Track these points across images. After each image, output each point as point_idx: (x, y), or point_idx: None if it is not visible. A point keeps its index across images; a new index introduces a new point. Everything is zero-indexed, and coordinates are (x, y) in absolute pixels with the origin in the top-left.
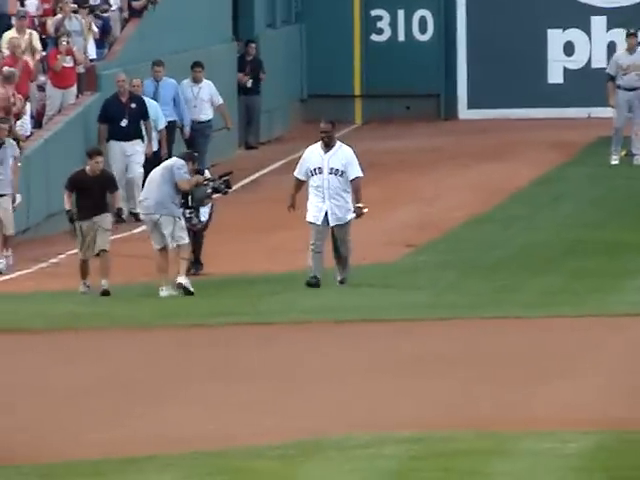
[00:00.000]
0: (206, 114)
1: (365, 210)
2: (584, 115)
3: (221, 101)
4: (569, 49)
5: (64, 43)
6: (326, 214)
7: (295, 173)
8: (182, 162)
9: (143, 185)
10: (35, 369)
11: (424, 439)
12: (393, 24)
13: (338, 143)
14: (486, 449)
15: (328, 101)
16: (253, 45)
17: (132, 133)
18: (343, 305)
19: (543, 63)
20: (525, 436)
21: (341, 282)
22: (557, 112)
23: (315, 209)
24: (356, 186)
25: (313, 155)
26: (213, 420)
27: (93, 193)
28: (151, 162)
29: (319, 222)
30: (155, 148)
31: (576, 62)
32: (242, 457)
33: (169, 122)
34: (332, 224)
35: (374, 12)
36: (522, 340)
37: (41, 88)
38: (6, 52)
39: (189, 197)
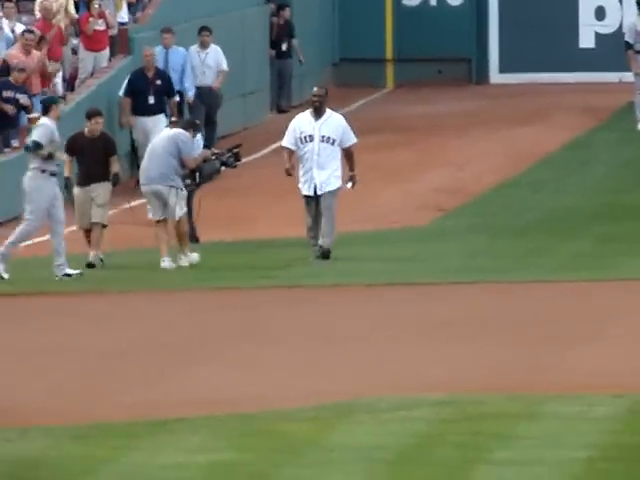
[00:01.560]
0: (213, 80)
1: (340, 184)
2: (615, 79)
3: (225, 67)
4: (600, 14)
5: (96, 6)
6: (314, 180)
7: (283, 143)
8: (186, 134)
9: None
10: (67, 331)
11: (453, 402)
12: None
13: (329, 111)
14: (514, 412)
15: (360, 65)
16: (287, 8)
17: (157, 109)
18: (373, 269)
19: (574, 28)
20: (553, 399)
21: (323, 253)
22: (588, 76)
23: (305, 178)
24: (351, 153)
25: (303, 122)
26: (245, 382)
27: (91, 156)
28: None
29: (311, 192)
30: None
31: (607, 27)
32: (273, 419)
33: (178, 91)
34: (320, 192)
35: None
36: (551, 304)
37: (74, 51)
38: (38, 15)
39: (197, 173)
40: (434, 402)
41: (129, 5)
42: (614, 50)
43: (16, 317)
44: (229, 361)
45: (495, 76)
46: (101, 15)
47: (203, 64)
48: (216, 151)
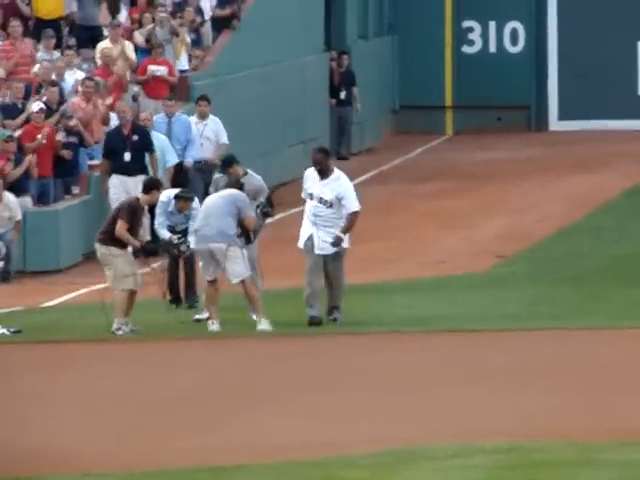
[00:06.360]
0: (212, 153)
1: (345, 245)
2: None
3: (225, 141)
4: None
5: (157, 53)
6: (311, 238)
7: (302, 195)
8: (244, 195)
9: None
10: (127, 378)
11: (512, 449)
12: (484, 36)
13: (337, 173)
14: (573, 459)
15: (419, 112)
16: (345, 56)
17: (135, 167)
18: (432, 316)
19: (633, 75)
20: (612, 446)
21: (334, 320)
22: None
23: (304, 235)
24: (350, 221)
25: (309, 178)
26: (304, 429)
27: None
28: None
29: (302, 246)
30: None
31: None
32: (333, 466)
33: (179, 163)
34: (317, 252)
35: (465, 24)
36: (609, 351)
37: (134, 98)
38: (99, 62)
39: (251, 233)
40: (494, 449)
41: (189, 53)
42: None
43: (77, 364)
44: (288, 408)
45: (554, 123)
46: (161, 62)
47: (201, 136)
48: (257, 204)
